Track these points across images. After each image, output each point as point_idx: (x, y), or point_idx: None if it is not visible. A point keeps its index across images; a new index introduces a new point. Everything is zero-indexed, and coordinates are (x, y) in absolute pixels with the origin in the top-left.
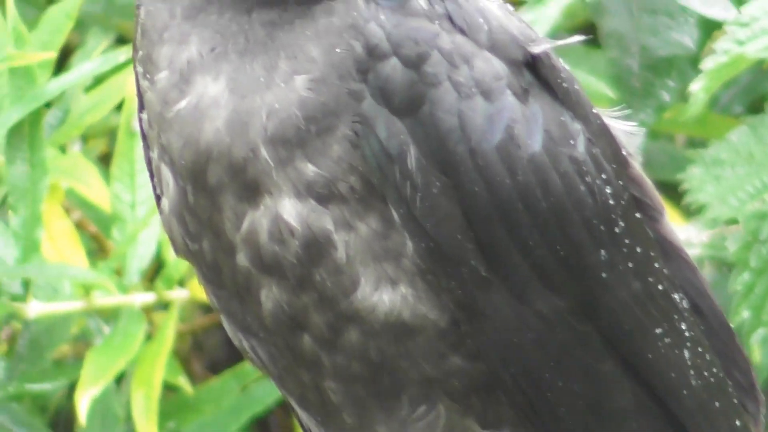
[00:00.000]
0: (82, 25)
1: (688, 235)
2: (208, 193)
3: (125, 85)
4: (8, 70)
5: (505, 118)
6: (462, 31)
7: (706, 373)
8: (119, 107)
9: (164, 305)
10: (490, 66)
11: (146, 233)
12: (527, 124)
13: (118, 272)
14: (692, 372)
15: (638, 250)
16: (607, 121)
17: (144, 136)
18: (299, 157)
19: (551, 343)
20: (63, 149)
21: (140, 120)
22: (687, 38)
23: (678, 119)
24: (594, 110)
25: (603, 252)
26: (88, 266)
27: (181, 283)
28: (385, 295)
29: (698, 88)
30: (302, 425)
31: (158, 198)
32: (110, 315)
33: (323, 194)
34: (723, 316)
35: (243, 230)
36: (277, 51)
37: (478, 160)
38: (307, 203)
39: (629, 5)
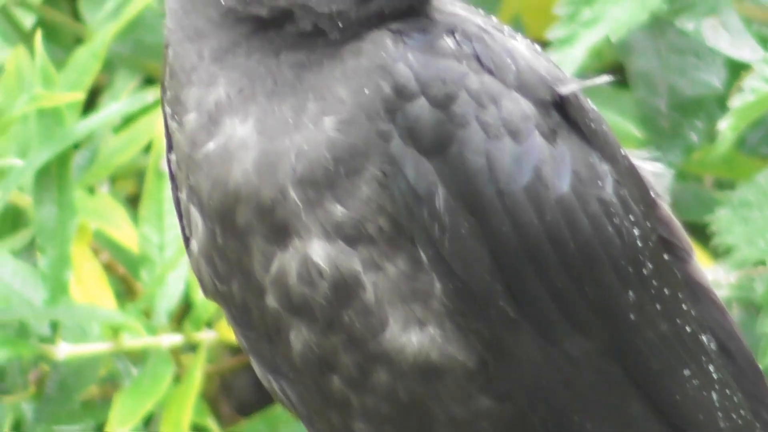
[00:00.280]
0: (110, 66)
1: (716, 276)
2: (236, 235)
3: (153, 125)
4: (36, 110)
5: (534, 158)
6: (490, 71)
7: (734, 415)
8: (147, 148)
9: (192, 347)
10: (518, 106)
11: (174, 274)
12: (555, 165)
13: (147, 314)
14: (720, 414)
15: (666, 291)
16: (636, 161)
17: (173, 177)
18: (328, 198)
19: (579, 385)
20: (91, 190)
21: (169, 161)
22: (715, 78)
23: (706, 160)
24: (622, 151)
25: (631, 293)
26: (116, 308)
27: (209, 325)
28: (413, 336)
29: (726, 126)
30: None
31: (187, 239)
32: (138, 357)
33: (352, 235)
34: (752, 358)
35: (272, 272)
36: (306, 92)
37: (506, 201)
38: (336, 244)
39: (657, 46)
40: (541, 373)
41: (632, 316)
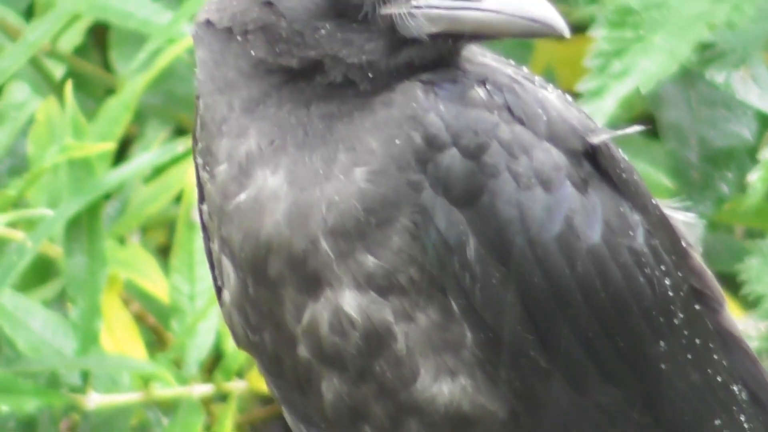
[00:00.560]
0: (140, 116)
1: (746, 326)
2: (268, 285)
3: (184, 176)
4: (67, 161)
5: (565, 208)
6: (521, 122)
7: None
8: (178, 198)
9: (223, 396)
10: (549, 156)
11: (205, 324)
12: (586, 215)
13: (177, 363)
14: None
15: (697, 341)
16: (667, 212)
17: (204, 228)
18: (359, 248)
19: None
20: (122, 240)
21: (200, 211)
22: (745, 130)
23: (737, 210)
24: (653, 201)
25: (662, 343)
26: (146, 357)
27: (240, 375)
28: (444, 386)
29: (756, 178)
30: None
31: (219, 289)
32: (169, 406)
33: (383, 286)
34: None
35: (304, 322)
36: (336, 143)
37: (537, 251)
38: (367, 295)
39: (687, 97)
40: (572, 423)
41: (663, 366)
